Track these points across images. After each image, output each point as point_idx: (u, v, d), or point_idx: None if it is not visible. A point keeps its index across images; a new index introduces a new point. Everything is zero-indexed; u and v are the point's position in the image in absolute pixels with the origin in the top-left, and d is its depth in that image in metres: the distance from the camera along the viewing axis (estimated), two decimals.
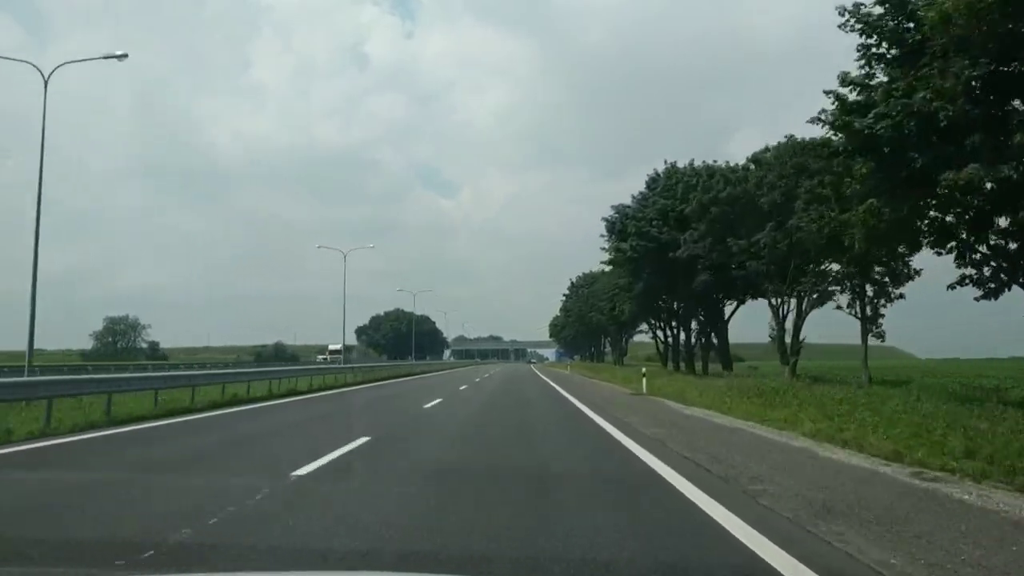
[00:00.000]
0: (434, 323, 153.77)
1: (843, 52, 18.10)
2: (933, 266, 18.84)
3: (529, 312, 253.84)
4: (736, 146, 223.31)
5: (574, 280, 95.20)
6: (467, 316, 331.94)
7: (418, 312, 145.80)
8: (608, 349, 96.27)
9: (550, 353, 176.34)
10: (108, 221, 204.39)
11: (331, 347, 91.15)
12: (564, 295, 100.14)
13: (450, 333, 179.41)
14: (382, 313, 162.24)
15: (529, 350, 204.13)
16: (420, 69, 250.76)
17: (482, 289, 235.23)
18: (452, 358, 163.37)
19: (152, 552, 4.35)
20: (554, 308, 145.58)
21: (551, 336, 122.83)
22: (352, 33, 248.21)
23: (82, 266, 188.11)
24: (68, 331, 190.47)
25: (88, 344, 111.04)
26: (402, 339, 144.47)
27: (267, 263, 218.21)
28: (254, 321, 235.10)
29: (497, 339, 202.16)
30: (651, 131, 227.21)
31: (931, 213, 16.71)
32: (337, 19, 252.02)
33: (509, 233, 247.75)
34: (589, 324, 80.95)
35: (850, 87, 16.43)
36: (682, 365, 46.55)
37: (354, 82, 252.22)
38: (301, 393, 23.78)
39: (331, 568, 4.09)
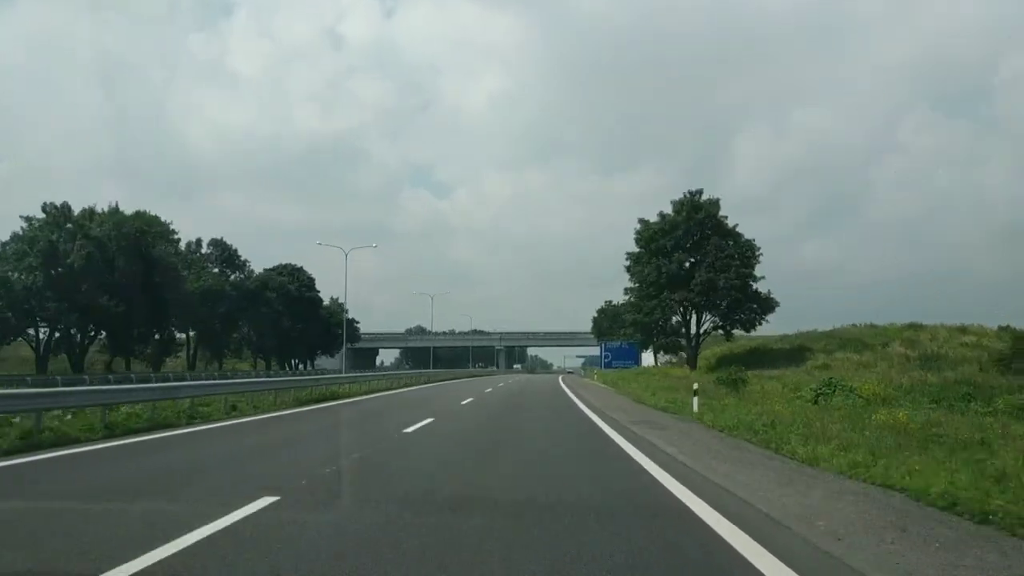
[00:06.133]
0: (312, 280, 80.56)
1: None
2: None
3: (529, 310, 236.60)
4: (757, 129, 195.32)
5: None
6: (462, 313, 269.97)
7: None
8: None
9: (558, 356, 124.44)
10: None
11: None
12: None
13: (436, 328, 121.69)
14: (19, 229, 54.35)
15: (531, 353, 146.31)
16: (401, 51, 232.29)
17: (481, 287, 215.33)
18: (406, 365, 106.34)
19: None
20: (556, 308, 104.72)
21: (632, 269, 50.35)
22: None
23: None
24: None
25: None
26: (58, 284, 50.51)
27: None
28: None
29: (482, 333, 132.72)
30: (657, 117, 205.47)
31: None
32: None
33: (511, 231, 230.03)
34: None
35: None
36: None
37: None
38: None
39: None
